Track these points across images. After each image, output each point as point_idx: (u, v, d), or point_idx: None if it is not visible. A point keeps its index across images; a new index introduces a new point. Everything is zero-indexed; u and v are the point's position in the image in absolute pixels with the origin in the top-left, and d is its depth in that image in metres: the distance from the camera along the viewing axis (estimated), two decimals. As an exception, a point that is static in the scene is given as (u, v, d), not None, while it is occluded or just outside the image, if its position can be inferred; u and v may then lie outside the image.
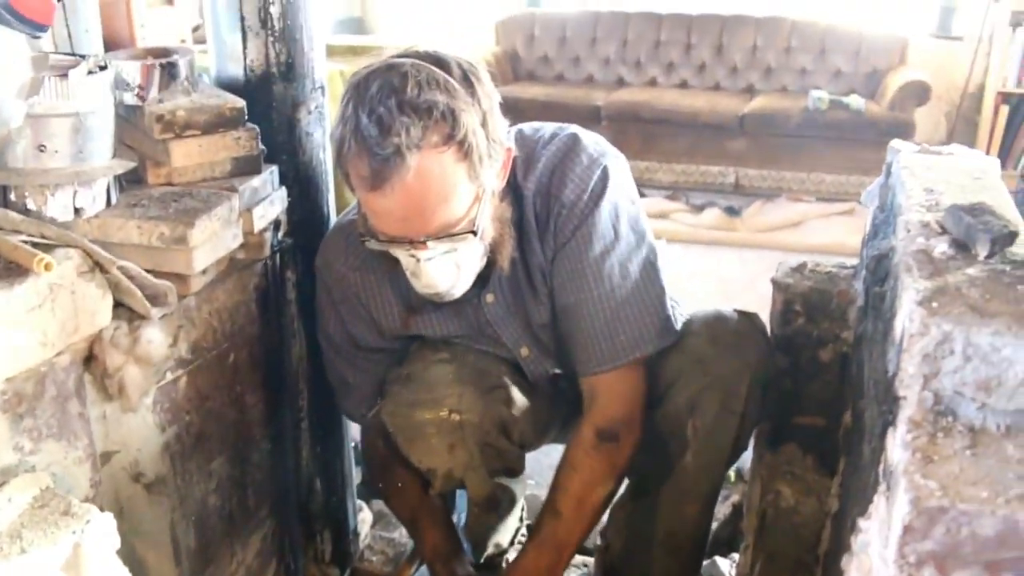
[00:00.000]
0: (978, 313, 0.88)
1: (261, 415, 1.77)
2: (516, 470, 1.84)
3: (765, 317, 1.77)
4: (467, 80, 1.39)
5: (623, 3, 6.35)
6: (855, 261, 1.77)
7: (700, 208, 5.21)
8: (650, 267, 1.65)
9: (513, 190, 1.58)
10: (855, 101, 5.39)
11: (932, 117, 5.77)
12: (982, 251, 1.01)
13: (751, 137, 5.53)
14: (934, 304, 0.90)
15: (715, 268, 4.54)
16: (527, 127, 1.67)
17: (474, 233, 1.44)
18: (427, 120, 1.32)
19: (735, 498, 2.56)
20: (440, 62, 1.38)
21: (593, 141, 1.63)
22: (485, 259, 1.56)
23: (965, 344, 0.86)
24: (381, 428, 1.74)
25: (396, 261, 1.54)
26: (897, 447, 0.87)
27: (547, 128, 1.65)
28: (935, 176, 1.28)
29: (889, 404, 0.94)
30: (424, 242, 1.43)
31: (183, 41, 3.63)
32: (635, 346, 1.62)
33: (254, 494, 1.79)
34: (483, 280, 1.62)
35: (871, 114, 5.36)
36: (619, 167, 1.62)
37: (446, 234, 1.43)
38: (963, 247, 1.03)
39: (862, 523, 0.93)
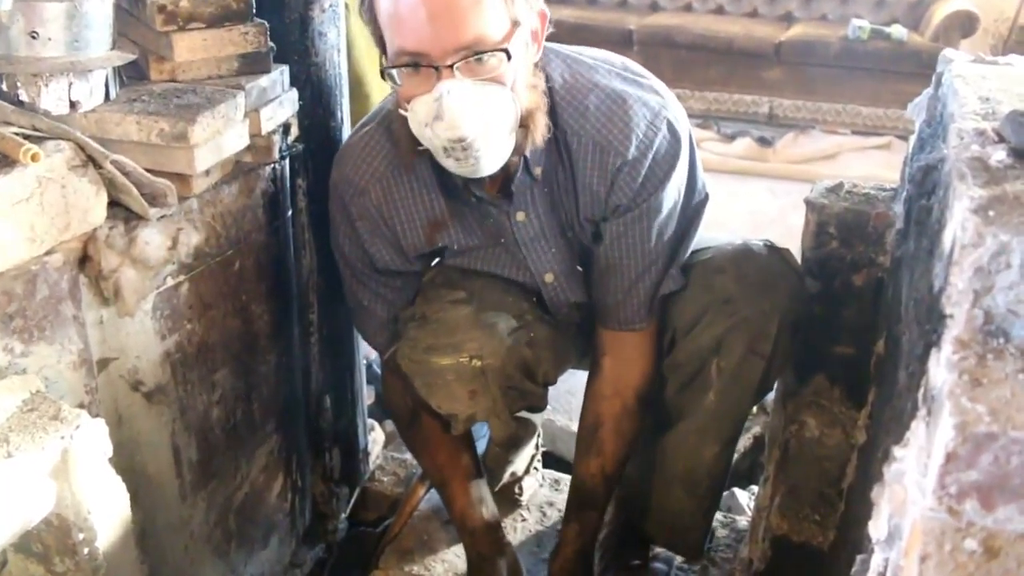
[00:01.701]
0: (1040, 224, 0.79)
1: (268, 327, 1.71)
2: (539, 407, 1.79)
3: (795, 249, 1.68)
4: None
5: (660, -77, 6.13)
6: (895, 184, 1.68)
7: (732, 137, 5.08)
8: (696, 220, 1.62)
9: (547, 103, 1.47)
10: (897, 31, 5.20)
11: (978, 50, 5.55)
12: (1045, 160, 0.91)
13: (787, 66, 5.36)
14: (990, 213, 0.81)
15: (745, 199, 4.43)
16: (575, 62, 1.54)
17: (508, 56, 1.31)
18: None
19: (756, 430, 2.50)
20: None
21: (651, 90, 1.52)
22: (515, 133, 1.40)
23: (1024, 257, 0.78)
24: (399, 371, 1.65)
25: (419, 153, 1.42)
26: (941, 369, 0.79)
27: (601, 72, 1.53)
28: (991, 85, 1.18)
29: (933, 323, 0.86)
30: (451, 67, 1.30)
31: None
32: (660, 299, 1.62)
33: (260, 408, 1.74)
34: (510, 192, 1.52)
35: (913, 45, 5.17)
36: (680, 113, 1.55)
37: (477, 51, 1.30)
38: (1022, 155, 0.94)
39: (897, 451, 0.86)
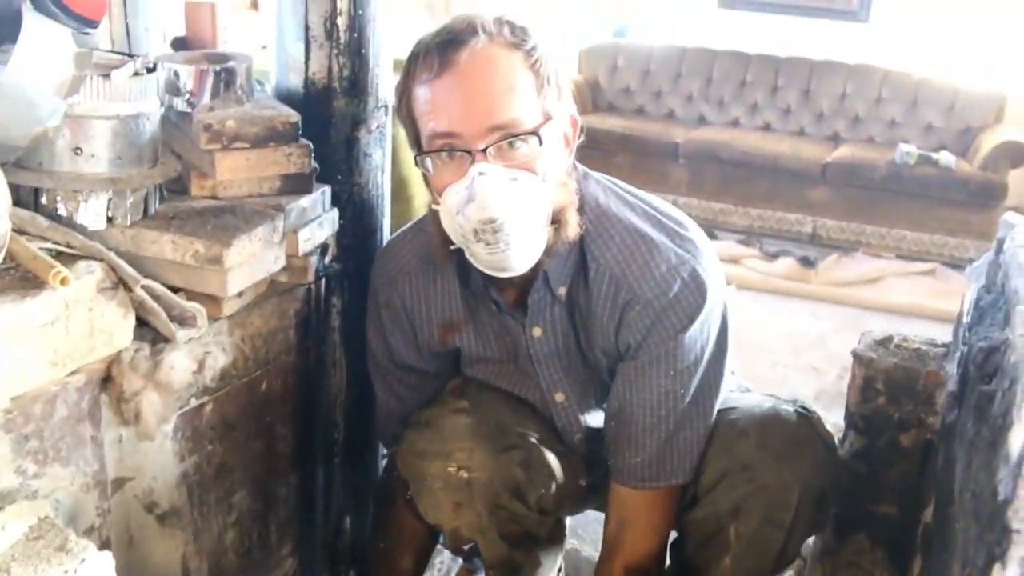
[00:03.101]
0: (1118, 439, 0.73)
1: (291, 448, 1.66)
2: (539, 536, 1.69)
3: (834, 376, 1.62)
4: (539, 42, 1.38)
5: (711, 40, 6.19)
6: (947, 338, 1.62)
7: (774, 256, 5.02)
8: (718, 382, 1.55)
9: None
10: (945, 158, 5.16)
11: (1014, 214, 5.49)
12: (1119, 358, 0.86)
13: (833, 187, 5.33)
14: (1063, 423, 0.75)
15: (786, 319, 4.35)
16: (615, 196, 1.53)
17: (539, 140, 1.33)
18: (499, 25, 1.34)
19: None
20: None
21: (681, 241, 1.48)
22: (547, 229, 1.39)
23: (1101, 477, 0.71)
24: (397, 473, 1.63)
25: (448, 254, 1.43)
26: (1007, 591, 0.72)
27: (639, 205, 1.52)
28: (1057, 260, 1.13)
29: (997, 534, 0.79)
30: (484, 151, 1.31)
31: (264, 47, 3.59)
32: (681, 473, 1.54)
33: (277, 530, 1.68)
34: (525, 307, 1.51)
35: (961, 173, 5.12)
36: (713, 268, 1.49)
37: (510, 133, 1.32)
38: (1095, 351, 0.88)
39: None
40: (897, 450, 1.52)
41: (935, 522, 1.29)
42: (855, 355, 1.56)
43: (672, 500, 1.57)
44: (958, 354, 1.43)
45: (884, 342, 1.58)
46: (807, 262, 4.97)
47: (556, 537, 1.85)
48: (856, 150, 5.52)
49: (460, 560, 2.08)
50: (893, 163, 5.21)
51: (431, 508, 1.56)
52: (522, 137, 1.32)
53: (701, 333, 1.47)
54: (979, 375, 1.03)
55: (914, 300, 4.45)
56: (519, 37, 1.34)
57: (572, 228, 1.42)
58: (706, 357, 1.50)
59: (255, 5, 3.96)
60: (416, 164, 1.41)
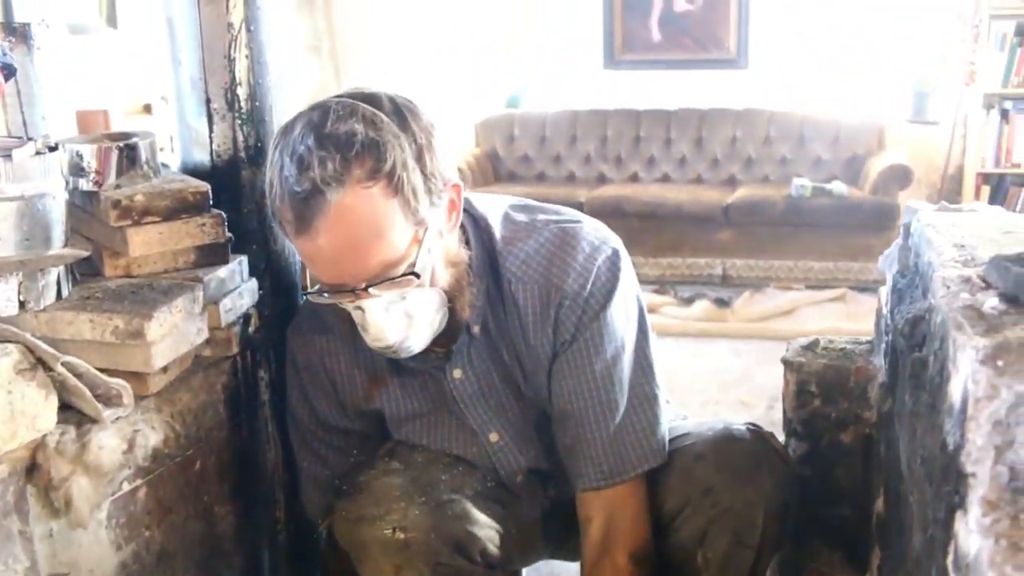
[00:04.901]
0: (1053, 370, 0.75)
1: (232, 528, 1.61)
2: None
3: (763, 407, 1.63)
4: (399, 114, 1.29)
5: (601, 101, 6.37)
6: (869, 336, 1.66)
7: (689, 301, 5.10)
8: (651, 365, 1.56)
9: (488, 255, 1.48)
10: (838, 187, 5.36)
11: (915, 200, 5.74)
12: (1038, 304, 0.89)
13: (736, 227, 5.47)
14: (999, 363, 0.77)
15: (709, 360, 4.41)
16: (517, 210, 1.56)
17: (416, 276, 1.31)
18: (347, 152, 1.22)
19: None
20: (369, 97, 1.30)
21: (593, 228, 1.53)
22: (444, 310, 1.42)
23: (1043, 407, 0.73)
24: (336, 545, 1.57)
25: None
26: (972, 534, 0.73)
27: (542, 216, 1.55)
28: (963, 232, 1.17)
29: (953, 483, 0.80)
30: (366, 289, 1.30)
31: (162, 150, 3.56)
32: (644, 458, 1.52)
33: (225, 618, 1.61)
34: (450, 352, 1.50)
35: (854, 199, 5.32)
36: (624, 253, 1.53)
37: (386, 278, 1.30)
38: (1014, 300, 0.91)
39: (932, 627, 0.79)
40: (839, 449, 1.54)
41: (887, 508, 1.30)
42: (785, 362, 1.58)
43: (643, 488, 1.54)
44: (883, 345, 1.47)
45: (811, 346, 1.61)
46: (722, 302, 5.06)
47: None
48: (753, 190, 5.69)
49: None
50: (790, 197, 5.38)
51: (373, 574, 1.51)
52: (399, 276, 1.32)
53: (623, 309, 1.49)
54: (909, 346, 1.06)
55: (828, 325, 4.56)
56: (374, 159, 1.24)
57: (466, 306, 1.45)
58: (632, 336, 1.51)
59: (148, 109, 3.93)
60: (304, 294, 1.44)
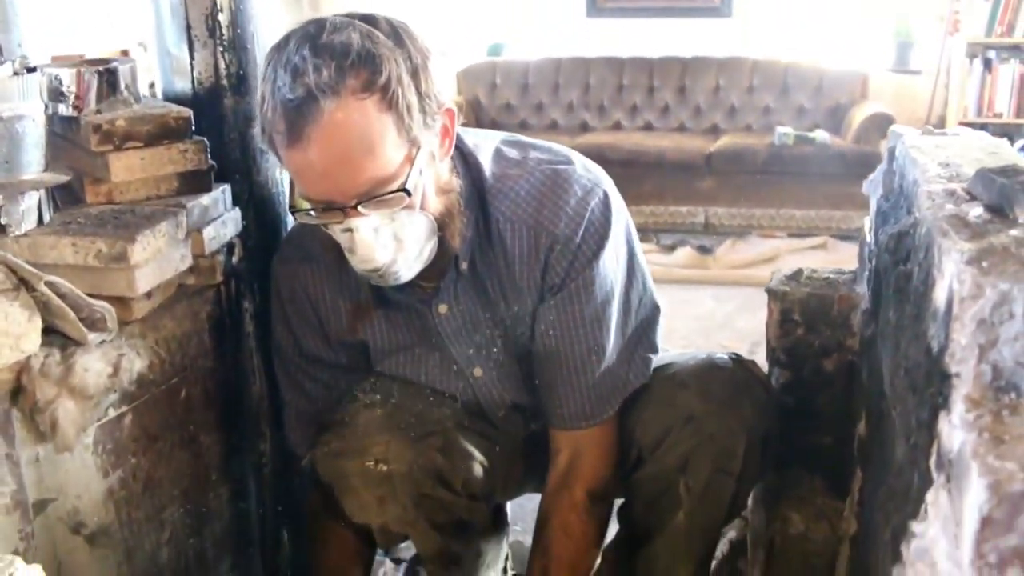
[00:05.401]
0: (1037, 271, 0.76)
1: (219, 458, 1.61)
2: (474, 524, 1.64)
3: (747, 350, 1.64)
4: (396, 33, 1.27)
5: (584, 48, 6.32)
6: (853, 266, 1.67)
7: (672, 248, 5.12)
8: (641, 306, 1.56)
9: (476, 191, 1.46)
10: (820, 135, 5.36)
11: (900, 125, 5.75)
12: (1022, 213, 0.89)
13: (718, 176, 5.48)
14: (984, 264, 0.78)
15: (691, 306, 4.43)
16: (509, 145, 1.54)
17: (407, 193, 1.29)
18: (342, 62, 1.20)
19: (732, 534, 2.41)
20: (366, 16, 1.28)
21: (584, 168, 1.51)
22: (434, 239, 1.39)
23: (1027, 305, 0.74)
24: (318, 478, 1.57)
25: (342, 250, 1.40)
26: (957, 430, 0.74)
27: (534, 153, 1.52)
28: (947, 153, 1.18)
29: (937, 385, 0.81)
30: (355, 207, 1.28)
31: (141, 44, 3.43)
32: (619, 394, 1.54)
33: (213, 546, 1.62)
34: (437, 287, 1.49)
35: (836, 147, 5.33)
36: (613, 190, 1.52)
37: (376, 195, 1.27)
38: (998, 211, 0.92)
39: (916, 527, 0.80)
40: (821, 376, 1.56)
41: (869, 429, 1.32)
42: (769, 291, 1.59)
43: (614, 424, 1.56)
44: (866, 273, 1.48)
45: (794, 276, 1.62)
46: (704, 250, 5.08)
47: (497, 525, 1.82)
48: (736, 138, 5.69)
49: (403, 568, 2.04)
50: (772, 146, 5.39)
51: (355, 507, 1.52)
52: (390, 193, 1.29)
53: (614, 255, 1.48)
54: (893, 262, 1.06)
55: (810, 272, 4.59)
56: (368, 73, 1.22)
57: (458, 233, 1.42)
58: (620, 281, 1.50)
59: (126, 55, 3.86)
60: (291, 214, 1.40)
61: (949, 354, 0.78)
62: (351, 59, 1.21)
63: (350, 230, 1.29)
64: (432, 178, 1.37)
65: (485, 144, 1.52)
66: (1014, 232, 0.86)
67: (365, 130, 1.23)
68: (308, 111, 1.20)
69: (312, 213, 1.32)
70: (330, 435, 1.55)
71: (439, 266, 1.46)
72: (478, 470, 1.58)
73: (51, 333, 1.22)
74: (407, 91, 1.25)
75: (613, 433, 1.57)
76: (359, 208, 1.27)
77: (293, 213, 1.36)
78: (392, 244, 1.33)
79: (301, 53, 1.20)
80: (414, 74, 1.26)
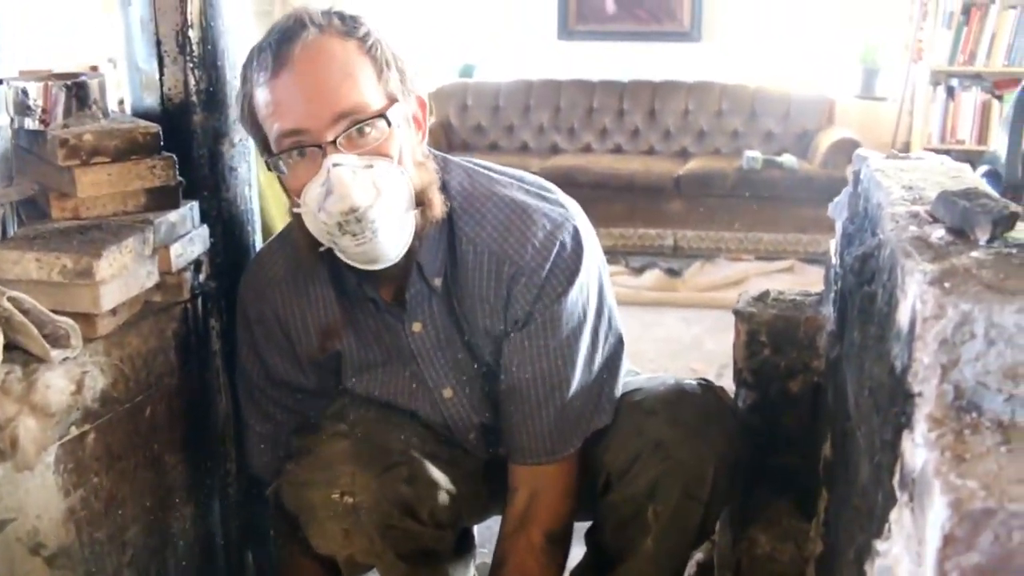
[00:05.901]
0: (997, 291, 0.77)
1: (183, 478, 1.59)
2: (441, 552, 1.63)
3: (715, 373, 1.65)
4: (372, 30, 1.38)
5: (555, 71, 6.36)
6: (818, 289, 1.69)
7: (640, 270, 5.14)
8: (607, 343, 1.56)
9: (449, 217, 1.46)
10: (788, 160, 5.42)
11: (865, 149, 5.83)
12: (982, 235, 0.91)
13: (687, 199, 5.51)
14: (946, 284, 0.79)
15: (659, 329, 4.45)
16: (480, 166, 1.55)
17: (387, 122, 1.33)
18: (327, 17, 1.33)
19: (700, 556, 2.41)
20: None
21: (557, 202, 1.51)
22: (413, 214, 1.37)
23: (987, 325, 0.75)
24: (282, 508, 1.56)
25: (318, 258, 1.41)
26: (920, 448, 0.75)
27: (504, 179, 1.53)
28: (911, 176, 1.20)
29: (900, 405, 0.82)
30: (333, 142, 1.30)
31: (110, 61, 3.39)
32: (580, 432, 1.54)
33: (176, 569, 1.60)
34: (403, 300, 1.49)
35: (804, 172, 5.39)
36: (586, 226, 1.52)
37: (357, 120, 1.30)
38: (960, 233, 0.94)
39: (880, 546, 0.81)
40: (788, 398, 1.57)
41: (834, 450, 1.33)
42: (736, 312, 1.61)
43: (575, 462, 1.55)
44: (832, 295, 1.49)
45: (761, 297, 1.64)
46: (673, 272, 5.11)
47: (463, 549, 1.81)
48: (705, 162, 5.74)
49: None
50: (741, 169, 5.43)
51: (321, 539, 1.50)
52: (369, 122, 1.31)
53: (581, 292, 1.48)
54: (858, 283, 1.08)
55: (777, 295, 4.63)
56: (350, 25, 1.34)
57: (438, 207, 1.42)
58: (589, 317, 1.50)
59: (95, 71, 3.83)
60: (268, 168, 1.39)
61: (912, 374, 0.79)
62: (336, 13, 1.34)
63: (328, 169, 1.29)
64: (409, 147, 1.38)
65: (455, 161, 1.53)
66: (975, 253, 0.87)
67: (345, 59, 1.31)
68: (295, 35, 1.30)
69: (294, 152, 1.32)
70: (296, 465, 1.54)
71: (404, 278, 1.46)
72: (444, 498, 1.57)
73: (13, 350, 1.20)
74: (385, 51, 1.35)
75: (573, 472, 1.56)
76: (337, 143, 1.30)
77: (269, 158, 1.36)
78: (371, 189, 1.31)
79: (289, 21, 1.33)
80: (392, 52, 1.37)
